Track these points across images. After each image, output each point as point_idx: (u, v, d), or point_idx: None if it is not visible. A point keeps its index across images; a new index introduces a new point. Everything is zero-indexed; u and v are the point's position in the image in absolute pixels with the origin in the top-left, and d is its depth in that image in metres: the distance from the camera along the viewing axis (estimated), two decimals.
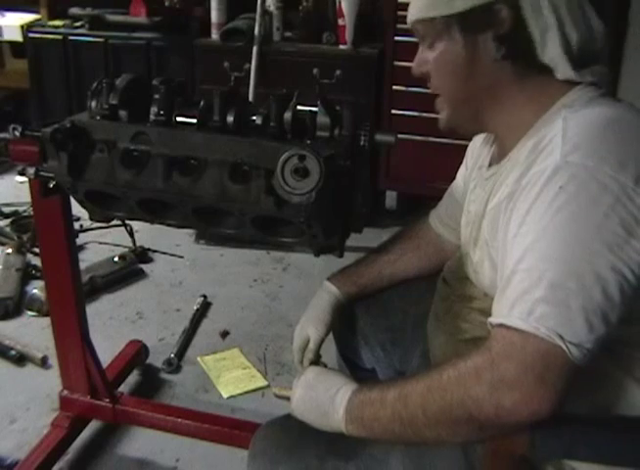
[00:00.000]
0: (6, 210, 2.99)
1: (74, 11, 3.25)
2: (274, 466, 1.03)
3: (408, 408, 0.86)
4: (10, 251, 2.52)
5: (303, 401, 1.01)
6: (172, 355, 2.11)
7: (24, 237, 2.67)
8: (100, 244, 2.76)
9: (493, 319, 0.84)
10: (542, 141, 0.89)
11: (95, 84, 1.28)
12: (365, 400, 0.93)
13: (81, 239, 2.71)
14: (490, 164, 1.10)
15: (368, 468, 1.01)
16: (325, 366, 1.17)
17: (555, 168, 0.83)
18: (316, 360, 1.25)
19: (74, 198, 1.34)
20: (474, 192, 1.13)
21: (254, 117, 1.21)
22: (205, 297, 2.43)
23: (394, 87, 2.76)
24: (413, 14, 1.00)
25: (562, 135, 0.85)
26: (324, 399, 0.98)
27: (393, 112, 2.80)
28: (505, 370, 0.79)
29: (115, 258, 2.56)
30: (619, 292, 0.79)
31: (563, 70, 0.94)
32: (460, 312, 1.09)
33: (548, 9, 0.92)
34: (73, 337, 1.61)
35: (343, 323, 1.34)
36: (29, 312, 2.30)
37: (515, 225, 0.86)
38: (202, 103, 1.23)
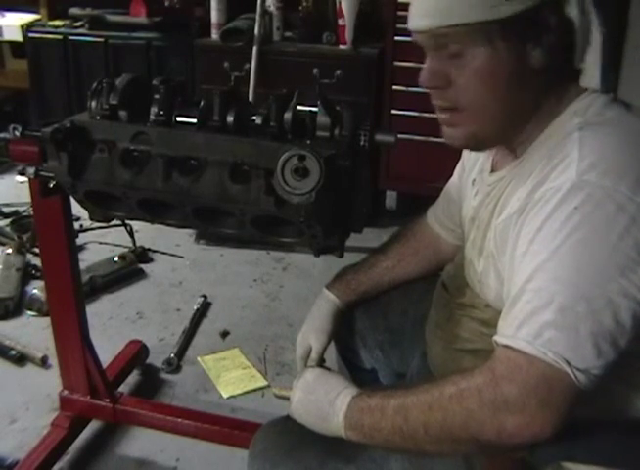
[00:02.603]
0: (6, 210, 2.99)
1: (74, 11, 3.25)
2: (273, 468, 1.03)
3: (409, 423, 0.86)
4: (10, 251, 2.52)
5: (302, 405, 1.00)
6: (172, 355, 2.11)
7: (24, 237, 2.67)
8: (100, 244, 2.76)
9: (499, 338, 0.82)
10: (557, 154, 0.86)
11: (95, 84, 1.28)
12: (365, 408, 0.92)
13: (81, 239, 2.71)
14: (493, 170, 1.06)
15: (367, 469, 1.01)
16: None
17: (571, 187, 0.80)
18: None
19: (74, 198, 1.34)
20: (475, 198, 1.10)
21: (254, 117, 1.21)
22: (205, 297, 2.43)
23: (394, 87, 2.76)
24: (441, 18, 0.87)
25: (578, 151, 0.82)
26: (323, 402, 0.97)
27: (393, 112, 2.80)
28: (508, 393, 0.78)
29: (115, 258, 2.56)
30: (631, 318, 0.78)
31: (590, 78, 0.90)
32: (460, 321, 1.07)
33: (593, 12, 0.88)
34: (73, 337, 1.61)
35: (342, 324, 1.34)
36: (29, 312, 2.30)
37: (525, 242, 0.84)
38: (202, 103, 1.23)
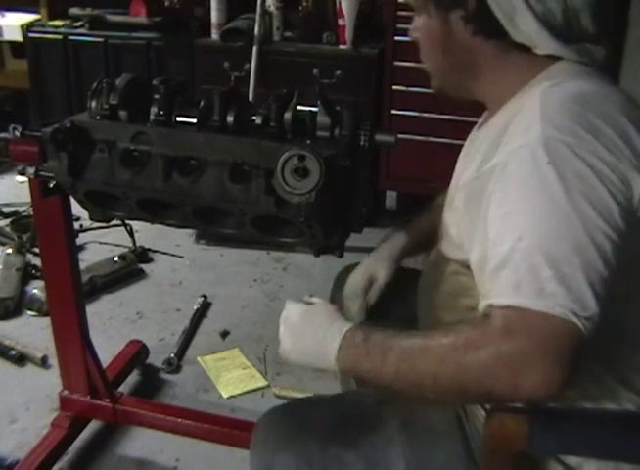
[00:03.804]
0: (6, 210, 2.99)
1: (74, 11, 3.25)
2: (275, 455, 1.03)
3: (416, 372, 0.85)
4: (10, 251, 2.52)
5: (294, 349, 0.98)
6: (172, 355, 2.11)
7: (24, 237, 2.67)
8: (100, 244, 2.76)
9: (497, 300, 0.82)
10: (520, 111, 0.90)
11: (95, 84, 1.28)
12: (361, 349, 0.90)
13: (81, 239, 2.71)
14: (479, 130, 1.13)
15: (369, 457, 1.00)
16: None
17: (538, 144, 0.83)
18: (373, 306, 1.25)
19: (74, 198, 1.34)
20: (460, 159, 1.16)
21: (254, 117, 1.21)
22: (205, 297, 2.43)
23: (394, 87, 2.76)
24: None
25: (540, 109, 0.86)
26: (316, 341, 0.94)
27: (393, 112, 2.79)
28: (526, 349, 0.78)
29: (115, 258, 2.56)
30: (615, 258, 0.80)
31: (543, 46, 0.95)
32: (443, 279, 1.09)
33: None
34: (73, 337, 1.61)
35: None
36: (29, 312, 2.30)
37: (505, 203, 0.85)
38: (202, 103, 1.23)
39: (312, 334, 0.95)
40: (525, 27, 0.93)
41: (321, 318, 0.97)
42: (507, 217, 0.84)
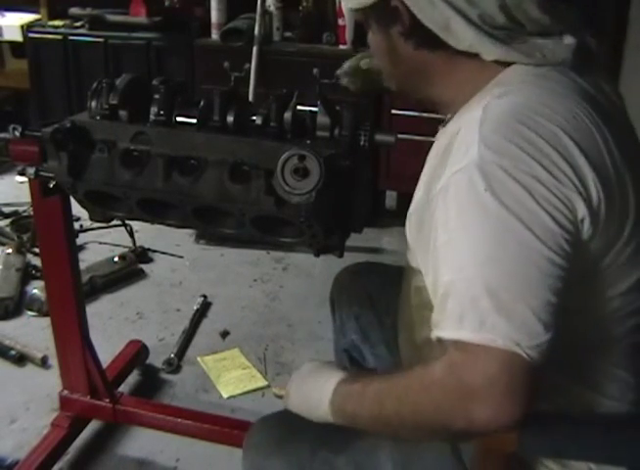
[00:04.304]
0: (6, 210, 2.99)
1: (74, 11, 3.24)
2: (266, 458, 1.04)
3: (384, 412, 0.87)
4: (10, 251, 2.52)
5: (296, 395, 1.03)
6: (172, 355, 2.11)
7: (24, 237, 2.67)
8: (100, 244, 2.76)
9: (444, 333, 0.81)
10: (464, 125, 0.88)
11: (95, 84, 1.28)
12: (347, 394, 0.94)
13: (81, 239, 2.71)
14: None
15: (357, 461, 1.01)
16: None
17: (475, 169, 0.80)
18: None
19: (74, 198, 1.34)
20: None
21: (254, 117, 1.21)
22: (205, 297, 2.43)
23: None
24: (347, 3, 1.02)
25: (478, 128, 0.84)
26: (313, 390, 0.99)
27: (393, 112, 2.79)
28: (472, 382, 0.77)
29: (115, 258, 2.56)
30: (561, 281, 0.79)
31: (486, 51, 0.91)
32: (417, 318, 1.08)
33: (440, 3, 0.89)
34: (73, 337, 1.61)
35: (348, 321, 1.35)
36: (29, 312, 2.30)
37: (444, 231, 0.84)
38: (202, 103, 1.23)
39: (314, 377, 1.01)
40: (463, 35, 0.90)
41: (328, 367, 1.02)
42: (448, 246, 0.83)
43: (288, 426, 1.06)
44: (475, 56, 0.92)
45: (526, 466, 0.93)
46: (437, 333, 0.82)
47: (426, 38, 0.93)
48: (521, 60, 0.90)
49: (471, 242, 0.81)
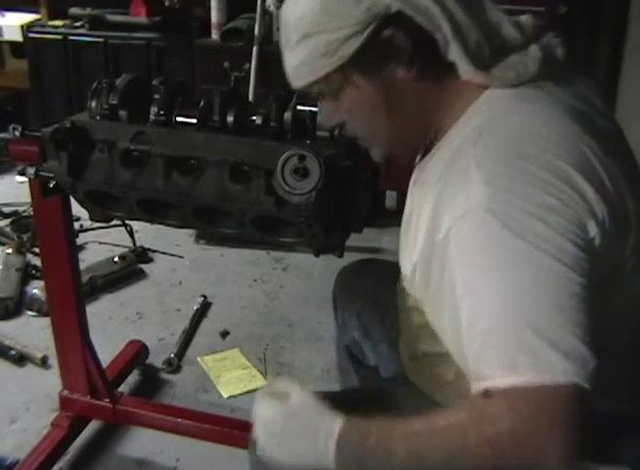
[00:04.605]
0: (6, 210, 2.99)
1: (74, 11, 3.25)
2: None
3: (426, 462, 0.80)
4: (10, 251, 2.52)
5: (282, 451, 0.88)
6: (172, 355, 2.11)
7: (24, 237, 2.67)
8: (100, 244, 2.76)
9: (494, 383, 0.77)
10: (456, 161, 0.84)
11: (95, 84, 1.28)
12: (361, 453, 0.82)
13: (81, 239, 2.71)
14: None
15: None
16: None
17: (486, 210, 0.78)
18: None
19: (74, 198, 1.34)
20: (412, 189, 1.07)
21: (254, 117, 1.21)
22: (205, 297, 2.43)
23: None
24: (299, 81, 0.92)
25: (477, 168, 0.81)
26: (306, 446, 0.86)
27: None
28: (545, 427, 0.74)
29: (115, 258, 2.56)
30: (592, 302, 0.77)
31: (464, 72, 0.87)
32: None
33: (442, 17, 0.85)
34: (73, 337, 1.61)
35: (351, 319, 1.35)
36: (29, 312, 2.30)
37: (471, 276, 0.81)
38: (202, 103, 1.23)
39: (300, 435, 0.86)
40: (453, 52, 0.86)
41: (306, 417, 0.87)
42: (474, 295, 0.80)
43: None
44: (455, 77, 0.89)
45: None
46: (484, 384, 0.78)
47: (427, 58, 0.87)
48: (498, 83, 0.87)
49: (500, 285, 0.78)
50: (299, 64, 0.90)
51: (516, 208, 0.78)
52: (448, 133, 0.91)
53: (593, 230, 0.80)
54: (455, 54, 0.86)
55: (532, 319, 0.76)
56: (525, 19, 0.93)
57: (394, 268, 1.12)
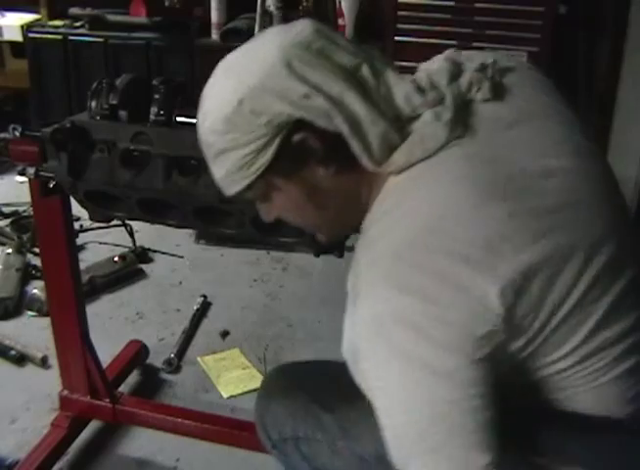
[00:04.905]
0: (6, 210, 2.99)
1: (74, 11, 3.24)
2: (271, 401, 1.17)
3: None
4: (10, 251, 2.52)
5: None
6: (172, 355, 2.11)
7: (24, 237, 2.67)
8: (100, 244, 2.76)
9: None
10: (358, 264, 0.84)
11: (95, 84, 1.29)
12: None
13: (81, 239, 2.71)
14: None
15: (343, 426, 1.07)
16: None
17: (370, 323, 0.80)
18: None
19: (74, 198, 1.34)
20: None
21: None
22: (205, 297, 2.43)
23: None
24: (227, 190, 0.94)
25: (365, 280, 0.82)
26: None
27: None
28: None
29: (115, 258, 2.55)
30: (490, 401, 0.78)
31: (367, 165, 0.86)
32: None
33: (340, 118, 0.83)
34: (73, 337, 1.61)
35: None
36: (29, 312, 2.29)
37: (365, 380, 0.84)
38: None
39: None
40: (356, 153, 0.85)
41: None
42: (374, 393, 0.83)
43: (296, 377, 1.18)
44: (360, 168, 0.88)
45: None
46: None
47: (343, 157, 0.86)
48: (403, 165, 0.86)
49: (389, 391, 0.81)
50: (222, 177, 0.92)
51: (394, 319, 0.78)
52: (367, 220, 0.91)
53: (485, 326, 0.76)
54: (356, 150, 0.85)
55: (418, 427, 0.79)
56: (436, 75, 0.90)
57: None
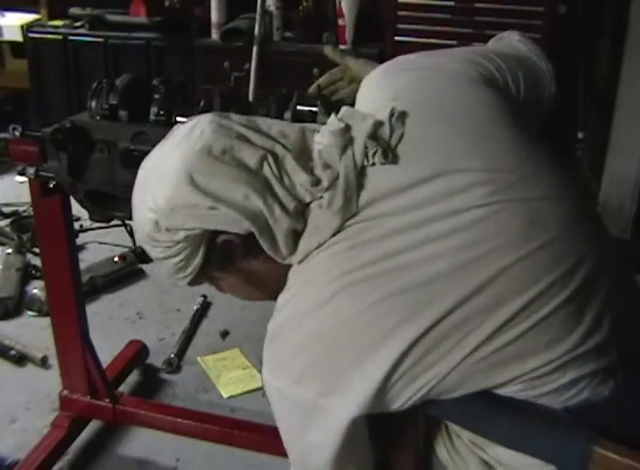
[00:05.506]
0: (6, 210, 2.99)
1: (74, 11, 3.24)
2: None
3: None
4: (10, 251, 2.52)
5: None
6: (172, 355, 2.11)
7: (24, 237, 2.67)
8: (100, 244, 2.76)
9: None
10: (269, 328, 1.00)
11: (95, 84, 1.28)
12: None
13: (81, 239, 2.71)
14: None
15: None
16: None
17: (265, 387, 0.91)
18: None
19: (74, 198, 1.34)
20: None
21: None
22: (205, 297, 2.43)
23: None
24: (179, 282, 0.99)
25: (267, 350, 0.99)
26: None
27: None
28: None
29: (115, 259, 2.56)
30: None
31: (275, 258, 0.91)
32: None
33: (246, 222, 0.87)
34: (73, 337, 1.61)
35: None
36: (29, 312, 2.30)
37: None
38: (202, 103, 1.23)
39: None
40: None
41: None
42: None
43: None
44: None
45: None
46: None
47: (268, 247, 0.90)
48: (307, 252, 0.89)
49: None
50: (166, 276, 0.98)
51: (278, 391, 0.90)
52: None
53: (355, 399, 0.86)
54: (265, 247, 0.89)
55: None
56: (327, 153, 0.89)
57: None
